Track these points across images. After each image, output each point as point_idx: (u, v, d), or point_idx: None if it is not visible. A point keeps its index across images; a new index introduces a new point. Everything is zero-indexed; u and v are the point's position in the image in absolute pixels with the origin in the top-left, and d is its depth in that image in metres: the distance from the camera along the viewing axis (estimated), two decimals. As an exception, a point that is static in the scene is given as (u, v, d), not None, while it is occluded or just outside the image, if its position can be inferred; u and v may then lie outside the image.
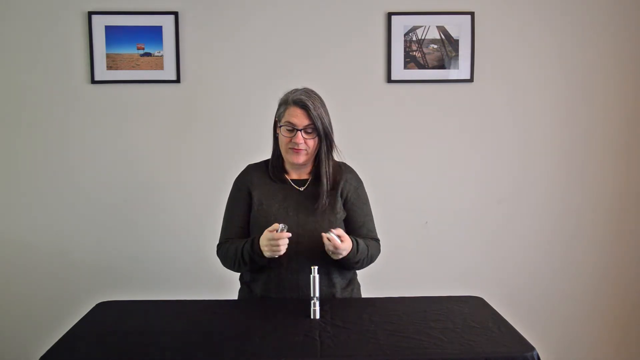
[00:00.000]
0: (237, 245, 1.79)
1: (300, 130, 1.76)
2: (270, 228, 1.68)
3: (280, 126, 1.79)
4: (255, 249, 1.73)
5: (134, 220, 2.68)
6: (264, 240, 1.69)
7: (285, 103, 1.80)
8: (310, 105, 1.75)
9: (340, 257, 1.72)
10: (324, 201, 1.81)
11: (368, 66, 2.66)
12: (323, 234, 1.69)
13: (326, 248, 1.70)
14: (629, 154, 2.74)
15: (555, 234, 2.76)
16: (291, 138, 1.77)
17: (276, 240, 1.66)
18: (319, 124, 1.76)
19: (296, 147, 1.77)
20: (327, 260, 1.79)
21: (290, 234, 1.68)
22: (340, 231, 1.71)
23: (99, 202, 2.67)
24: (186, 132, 2.67)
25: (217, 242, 1.90)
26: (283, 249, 1.68)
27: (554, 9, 2.66)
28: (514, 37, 2.67)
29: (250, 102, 2.63)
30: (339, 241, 1.68)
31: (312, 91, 1.82)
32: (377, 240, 1.91)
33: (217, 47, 2.64)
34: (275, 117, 1.85)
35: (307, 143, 1.78)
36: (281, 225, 1.66)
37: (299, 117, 1.76)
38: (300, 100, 1.76)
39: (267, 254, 1.70)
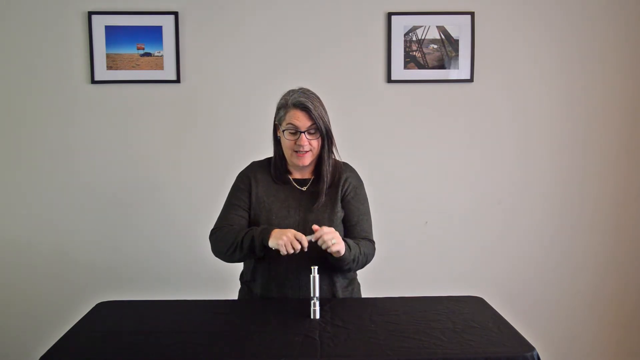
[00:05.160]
0: (241, 229, 1.77)
1: (304, 132, 1.76)
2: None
3: (283, 130, 1.79)
4: (264, 234, 1.69)
5: (134, 220, 2.69)
6: (287, 231, 1.66)
7: (285, 106, 1.79)
8: (310, 106, 1.75)
9: (338, 248, 1.66)
10: (322, 199, 1.81)
11: (368, 66, 2.66)
12: (313, 227, 1.67)
13: (323, 244, 1.66)
14: (628, 154, 2.74)
15: (555, 234, 2.76)
16: (295, 141, 1.77)
17: (298, 239, 1.63)
18: (320, 124, 1.76)
19: (301, 150, 1.77)
20: (327, 260, 1.79)
21: (306, 247, 1.66)
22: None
23: (99, 202, 2.67)
24: (186, 132, 2.67)
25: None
26: (289, 248, 1.63)
27: (554, 9, 2.66)
28: (514, 37, 2.67)
29: (250, 102, 2.63)
30: (324, 230, 1.66)
31: (309, 91, 1.82)
32: (372, 242, 1.88)
33: (217, 47, 2.64)
34: (274, 121, 1.85)
35: (311, 144, 1.78)
36: (309, 237, 1.66)
37: (300, 119, 1.76)
38: (300, 102, 1.75)
39: (275, 241, 1.65)
